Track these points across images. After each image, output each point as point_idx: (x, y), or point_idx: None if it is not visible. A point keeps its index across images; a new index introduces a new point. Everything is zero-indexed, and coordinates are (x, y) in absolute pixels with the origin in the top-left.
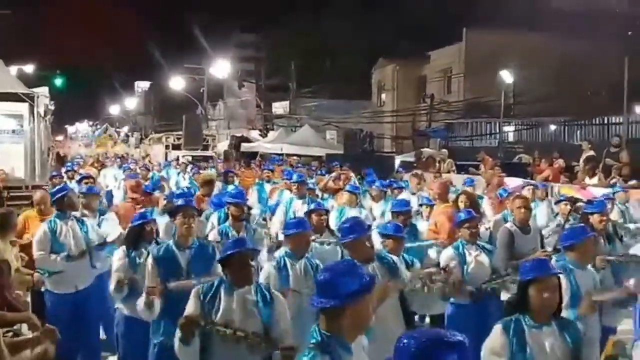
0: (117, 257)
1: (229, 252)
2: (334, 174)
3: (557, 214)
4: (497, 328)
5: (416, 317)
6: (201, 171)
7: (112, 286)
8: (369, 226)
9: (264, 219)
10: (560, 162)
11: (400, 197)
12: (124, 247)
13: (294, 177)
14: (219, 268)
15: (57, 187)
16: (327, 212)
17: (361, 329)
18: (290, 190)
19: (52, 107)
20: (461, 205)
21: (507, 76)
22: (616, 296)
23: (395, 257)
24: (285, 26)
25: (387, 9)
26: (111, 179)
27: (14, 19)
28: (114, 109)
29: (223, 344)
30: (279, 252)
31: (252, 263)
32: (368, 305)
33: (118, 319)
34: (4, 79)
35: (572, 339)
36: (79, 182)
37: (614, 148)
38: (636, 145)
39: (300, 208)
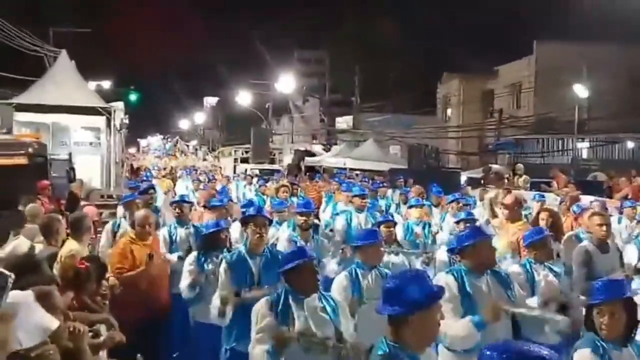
0: (189, 262)
1: (295, 263)
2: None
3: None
4: (586, 351)
5: None
6: (267, 184)
7: (184, 284)
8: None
9: (331, 230)
10: (639, 180)
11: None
12: (195, 252)
13: (355, 190)
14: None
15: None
16: (396, 224)
17: (428, 340)
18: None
19: (127, 121)
20: (542, 223)
21: (581, 90)
22: None
23: (508, 272)
24: (348, 41)
25: (453, 22)
26: (182, 189)
27: (90, 37)
28: (183, 124)
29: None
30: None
31: (317, 270)
32: (435, 316)
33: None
34: (83, 94)
35: None
36: (141, 192)
37: None
38: None
39: (362, 221)
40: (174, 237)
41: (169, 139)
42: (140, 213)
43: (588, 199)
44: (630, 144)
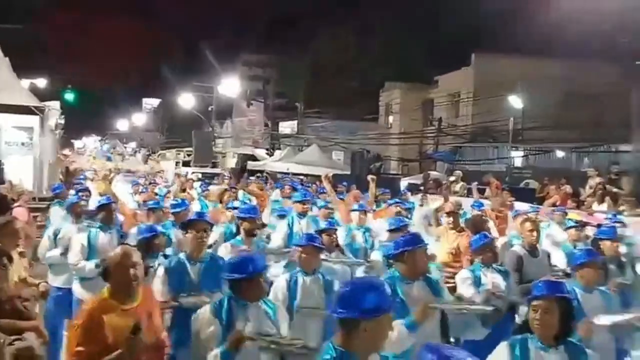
0: None
1: (245, 275)
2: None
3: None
4: (503, 345)
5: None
6: (209, 187)
7: None
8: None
9: (267, 237)
10: (567, 188)
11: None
12: None
13: (297, 195)
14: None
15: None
16: (336, 231)
17: (375, 347)
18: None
19: (62, 121)
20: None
21: (516, 101)
22: (626, 320)
23: (438, 277)
24: (293, 47)
25: (396, 32)
26: (122, 193)
27: (25, 34)
28: (121, 125)
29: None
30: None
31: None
32: (386, 325)
33: None
34: (16, 92)
35: None
36: (76, 193)
37: (615, 176)
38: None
39: (304, 226)
40: (93, 243)
41: (106, 141)
42: (115, 254)
43: (523, 207)
44: (560, 154)
